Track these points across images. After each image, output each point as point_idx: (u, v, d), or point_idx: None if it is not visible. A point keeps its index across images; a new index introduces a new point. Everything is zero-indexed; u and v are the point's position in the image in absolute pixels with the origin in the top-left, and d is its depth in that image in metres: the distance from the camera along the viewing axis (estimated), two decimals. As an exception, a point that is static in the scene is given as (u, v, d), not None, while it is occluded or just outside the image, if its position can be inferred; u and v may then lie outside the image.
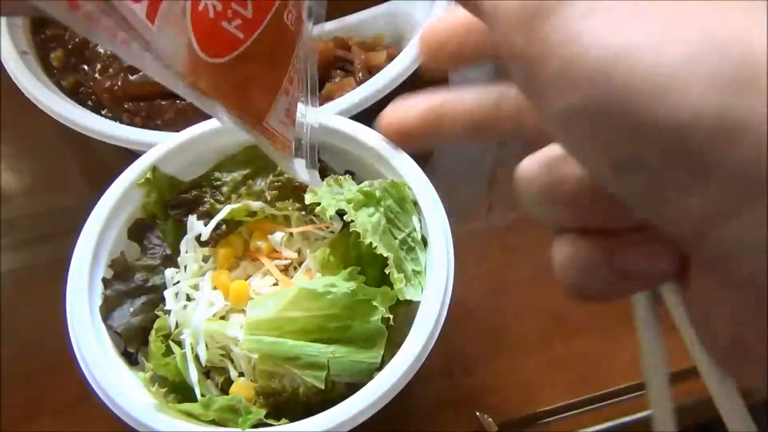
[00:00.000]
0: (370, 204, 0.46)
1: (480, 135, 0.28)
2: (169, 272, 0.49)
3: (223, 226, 0.49)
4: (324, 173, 0.52)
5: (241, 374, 0.45)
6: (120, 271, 0.48)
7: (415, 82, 0.59)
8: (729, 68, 0.15)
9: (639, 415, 0.51)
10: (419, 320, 0.43)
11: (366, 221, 0.44)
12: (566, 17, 0.17)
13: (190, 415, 0.42)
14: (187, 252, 0.49)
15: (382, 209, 0.45)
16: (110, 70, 0.61)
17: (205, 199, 0.50)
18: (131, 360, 0.46)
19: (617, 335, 0.52)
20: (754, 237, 0.15)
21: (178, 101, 0.60)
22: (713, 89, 0.15)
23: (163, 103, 0.60)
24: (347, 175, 0.50)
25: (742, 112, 0.15)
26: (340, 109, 0.56)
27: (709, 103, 0.15)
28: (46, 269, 0.58)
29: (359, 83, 0.60)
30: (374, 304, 0.43)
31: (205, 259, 0.49)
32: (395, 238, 0.46)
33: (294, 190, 0.50)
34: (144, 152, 0.51)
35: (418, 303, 0.45)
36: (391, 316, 0.45)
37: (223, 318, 0.46)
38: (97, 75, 0.61)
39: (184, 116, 0.59)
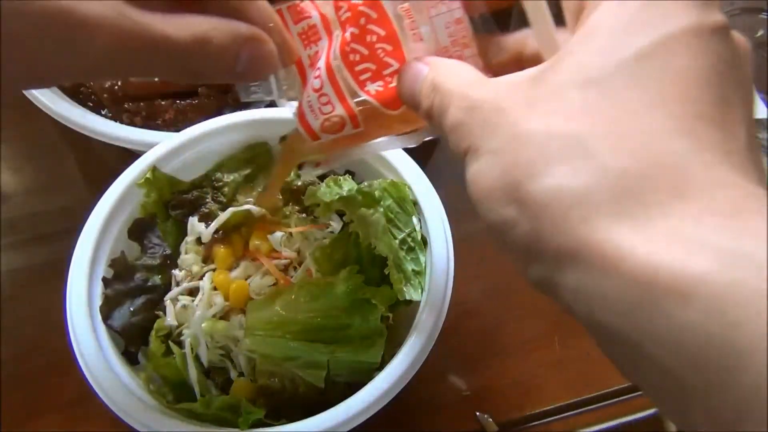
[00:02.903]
0: (369, 204, 0.46)
1: None
2: (177, 274, 0.49)
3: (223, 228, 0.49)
4: (323, 173, 0.52)
5: (241, 374, 0.45)
6: (120, 270, 0.48)
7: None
8: None
9: (639, 415, 0.51)
10: (419, 320, 0.43)
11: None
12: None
13: (190, 415, 0.42)
14: (187, 253, 0.49)
15: (381, 209, 0.45)
16: (110, 70, 0.61)
17: (207, 201, 0.50)
18: (131, 360, 0.46)
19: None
20: None
21: (177, 101, 0.60)
22: None
23: (163, 103, 0.60)
24: (347, 175, 0.50)
25: None
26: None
27: None
28: (46, 269, 0.58)
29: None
30: (374, 303, 0.43)
31: (205, 260, 0.49)
32: (395, 238, 0.46)
33: (294, 191, 0.50)
34: (144, 152, 0.51)
35: (418, 303, 0.45)
36: (390, 315, 0.45)
37: (223, 318, 0.46)
38: (97, 75, 0.61)
39: (184, 116, 0.59)
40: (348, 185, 0.48)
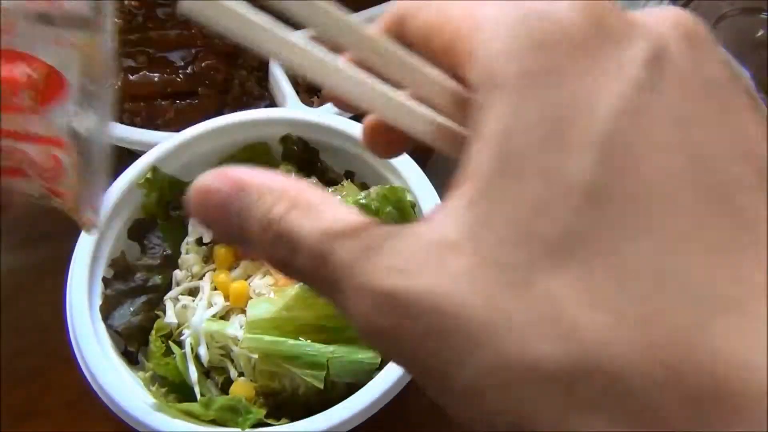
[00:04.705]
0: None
1: None
2: (178, 274, 0.49)
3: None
4: (324, 173, 0.52)
5: (241, 374, 0.45)
6: (120, 270, 0.48)
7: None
8: None
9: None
10: (419, 320, 0.43)
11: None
12: None
13: (190, 415, 0.42)
14: (188, 253, 0.49)
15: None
16: (110, 69, 0.61)
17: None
18: (131, 360, 0.46)
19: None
20: None
21: (177, 101, 0.60)
22: None
23: (163, 103, 0.60)
24: (347, 181, 0.50)
25: None
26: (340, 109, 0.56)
27: None
28: (47, 268, 0.58)
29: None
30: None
31: (206, 260, 0.49)
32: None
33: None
34: (144, 152, 0.51)
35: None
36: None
37: (223, 318, 0.47)
38: (97, 75, 0.61)
39: (184, 116, 0.59)
40: (348, 191, 0.47)
